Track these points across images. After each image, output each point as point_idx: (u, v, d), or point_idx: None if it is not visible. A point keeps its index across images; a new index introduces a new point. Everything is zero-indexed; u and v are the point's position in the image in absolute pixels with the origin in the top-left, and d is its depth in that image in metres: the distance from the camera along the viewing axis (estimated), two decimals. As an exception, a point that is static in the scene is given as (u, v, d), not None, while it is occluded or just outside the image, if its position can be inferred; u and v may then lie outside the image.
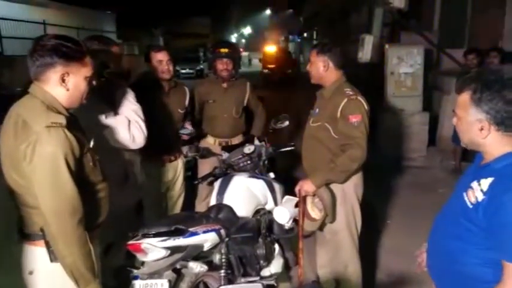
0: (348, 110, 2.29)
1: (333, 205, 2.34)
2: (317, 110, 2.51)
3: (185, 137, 3.14)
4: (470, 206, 1.27)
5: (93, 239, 1.61)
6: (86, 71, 1.55)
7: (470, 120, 1.29)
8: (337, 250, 2.51)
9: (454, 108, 1.36)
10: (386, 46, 5.99)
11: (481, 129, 1.27)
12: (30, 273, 1.54)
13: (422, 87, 5.80)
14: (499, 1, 6.53)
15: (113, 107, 2.18)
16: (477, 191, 1.26)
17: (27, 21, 11.18)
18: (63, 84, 1.50)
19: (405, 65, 5.73)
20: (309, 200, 2.38)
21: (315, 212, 2.37)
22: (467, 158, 4.91)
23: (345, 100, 2.31)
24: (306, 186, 2.31)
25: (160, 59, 2.88)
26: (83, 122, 1.67)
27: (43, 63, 1.46)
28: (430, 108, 6.10)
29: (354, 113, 2.28)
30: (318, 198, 2.33)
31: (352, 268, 2.51)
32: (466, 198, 1.30)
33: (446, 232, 1.38)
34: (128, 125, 2.18)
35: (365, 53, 6.14)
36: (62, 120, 1.45)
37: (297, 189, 2.37)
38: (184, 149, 3.13)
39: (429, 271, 1.50)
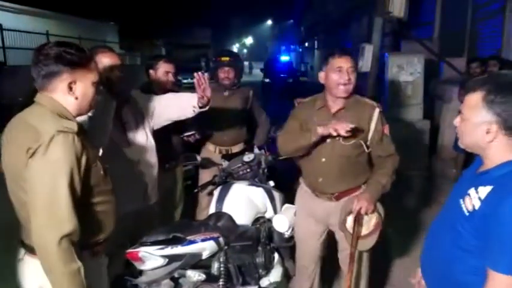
0: (381, 122, 2.23)
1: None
2: None
3: (190, 139, 3.13)
4: (467, 214, 1.25)
5: (96, 255, 1.57)
6: (92, 76, 1.50)
7: (477, 122, 1.25)
8: (358, 261, 2.41)
9: (461, 108, 1.31)
10: (387, 55, 6.01)
11: (487, 132, 1.24)
12: None
13: (423, 96, 5.81)
14: (498, 10, 6.56)
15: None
16: (475, 198, 1.24)
17: (31, 32, 11.29)
18: (70, 93, 1.44)
19: (405, 73, 5.74)
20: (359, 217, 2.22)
21: (364, 227, 2.24)
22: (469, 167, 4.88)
23: (377, 111, 2.22)
24: (367, 203, 2.16)
25: (168, 70, 2.96)
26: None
27: (49, 73, 1.40)
28: (431, 116, 6.09)
29: (385, 124, 2.25)
30: (376, 213, 2.23)
31: (365, 279, 2.47)
32: (463, 206, 1.28)
33: (442, 238, 1.37)
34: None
35: (365, 63, 6.16)
36: (74, 126, 1.39)
37: (357, 207, 2.16)
38: (183, 157, 3.13)
39: (423, 277, 1.49)
